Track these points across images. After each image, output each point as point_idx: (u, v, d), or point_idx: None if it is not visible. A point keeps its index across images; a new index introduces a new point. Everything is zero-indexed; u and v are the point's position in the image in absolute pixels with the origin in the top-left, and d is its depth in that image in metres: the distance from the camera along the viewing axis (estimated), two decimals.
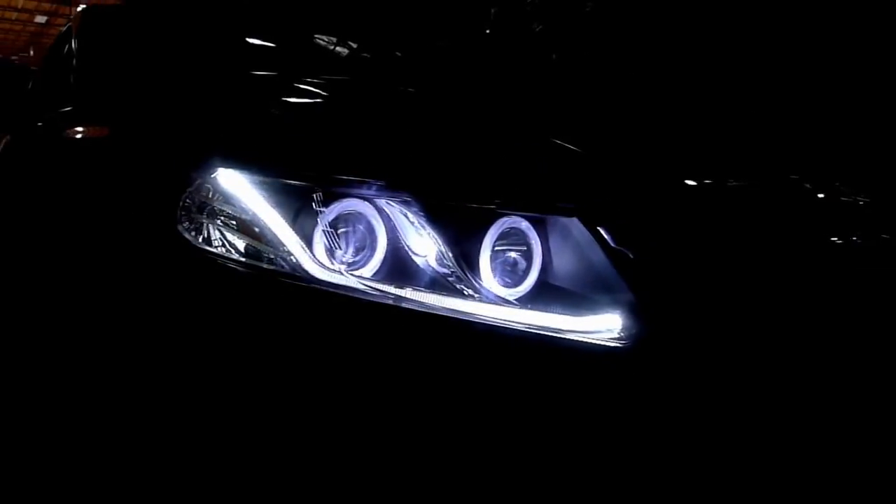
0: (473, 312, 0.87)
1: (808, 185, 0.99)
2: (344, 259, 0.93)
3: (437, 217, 0.91)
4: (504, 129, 0.95)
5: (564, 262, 0.96)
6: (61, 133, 1.54)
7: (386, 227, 0.94)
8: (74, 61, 1.78)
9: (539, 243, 0.96)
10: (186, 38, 1.17)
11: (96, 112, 1.39)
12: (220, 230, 0.94)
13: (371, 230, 0.94)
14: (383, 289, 0.88)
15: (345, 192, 0.92)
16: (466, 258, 0.91)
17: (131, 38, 1.58)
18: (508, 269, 0.96)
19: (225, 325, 0.93)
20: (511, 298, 0.93)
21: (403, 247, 0.94)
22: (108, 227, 1.14)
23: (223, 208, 0.94)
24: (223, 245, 0.93)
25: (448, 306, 0.87)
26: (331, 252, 0.92)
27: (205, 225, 0.94)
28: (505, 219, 0.93)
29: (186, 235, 0.94)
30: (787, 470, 0.87)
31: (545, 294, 0.96)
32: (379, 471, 0.88)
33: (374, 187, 0.91)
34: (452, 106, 0.96)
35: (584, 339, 0.87)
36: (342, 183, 0.92)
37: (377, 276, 0.94)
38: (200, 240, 0.94)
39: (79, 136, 1.41)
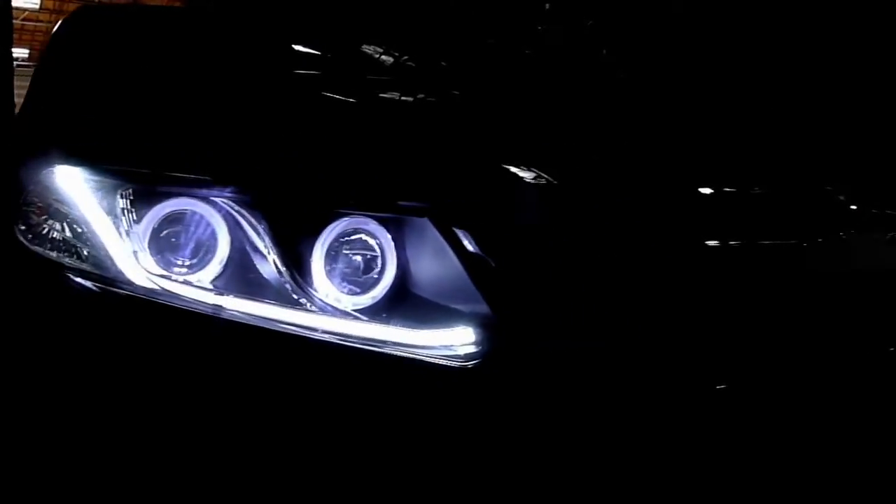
0: (296, 323, 0.78)
1: (701, 185, 0.84)
2: (179, 263, 0.86)
3: (270, 217, 0.83)
4: (351, 120, 0.85)
5: (424, 269, 0.86)
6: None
7: (228, 229, 0.86)
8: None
9: (393, 248, 0.86)
10: (80, 41, 1.14)
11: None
12: (53, 231, 0.88)
13: (211, 232, 0.86)
14: (200, 297, 0.80)
15: (179, 190, 0.85)
16: (299, 263, 0.82)
17: (69, 41, 1.56)
18: (356, 275, 0.86)
19: (54, 332, 0.87)
20: (353, 307, 0.83)
21: (248, 251, 0.86)
22: None
23: (58, 208, 0.88)
24: (54, 247, 0.88)
25: (266, 316, 0.78)
26: (162, 256, 0.85)
27: (40, 225, 0.89)
28: (344, 219, 0.83)
29: (21, 237, 0.89)
30: None
31: (401, 304, 0.86)
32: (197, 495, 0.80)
33: (207, 185, 0.84)
34: (295, 96, 0.88)
35: (421, 357, 0.77)
36: (174, 181, 0.84)
37: (218, 282, 0.86)
38: (36, 241, 0.89)
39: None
